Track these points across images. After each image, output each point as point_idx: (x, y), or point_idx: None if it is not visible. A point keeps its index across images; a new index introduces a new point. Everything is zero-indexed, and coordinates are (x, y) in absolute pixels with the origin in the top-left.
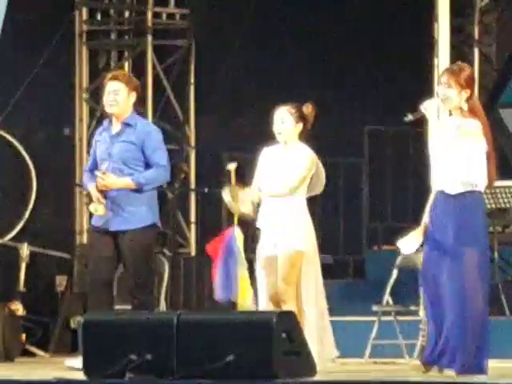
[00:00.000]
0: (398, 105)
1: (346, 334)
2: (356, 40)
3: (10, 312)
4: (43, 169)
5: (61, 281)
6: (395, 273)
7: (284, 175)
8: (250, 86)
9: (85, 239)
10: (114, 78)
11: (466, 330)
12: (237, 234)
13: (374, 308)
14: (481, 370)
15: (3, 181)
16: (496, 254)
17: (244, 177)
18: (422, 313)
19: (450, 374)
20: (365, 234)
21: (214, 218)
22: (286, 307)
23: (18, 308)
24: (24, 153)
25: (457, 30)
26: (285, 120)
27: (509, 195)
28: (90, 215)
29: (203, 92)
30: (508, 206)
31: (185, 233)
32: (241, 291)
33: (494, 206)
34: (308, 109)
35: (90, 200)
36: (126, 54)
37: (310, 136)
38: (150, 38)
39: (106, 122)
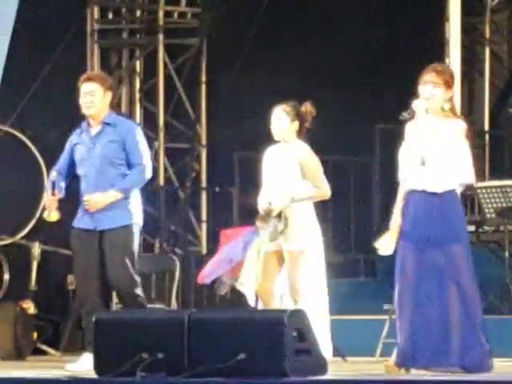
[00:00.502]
0: (409, 104)
1: (357, 332)
2: (367, 39)
3: (21, 310)
4: None
5: (72, 279)
6: None
7: (285, 175)
8: (261, 85)
9: None
10: (88, 79)
11: (474, 327)
12: (255, 236)
13: (385, 307)
14: (487, 367)
15: (15, 180)
16: (507, 253)
17: (256, 176)
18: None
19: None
20: (376, 233)
21: (225, 217)
22: (298, 306)
23: (30, 306)
24: (35, 152)
25: (468, 30)
26: (281, 119)
27: None
28: None
29: (214, 91)
30: None
31: (196, 231)
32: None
33: (504, 204)
34: (306, 107)
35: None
36: (138, 52)
37: (321, 135)
38: (161, 36)
39: (84, 124)
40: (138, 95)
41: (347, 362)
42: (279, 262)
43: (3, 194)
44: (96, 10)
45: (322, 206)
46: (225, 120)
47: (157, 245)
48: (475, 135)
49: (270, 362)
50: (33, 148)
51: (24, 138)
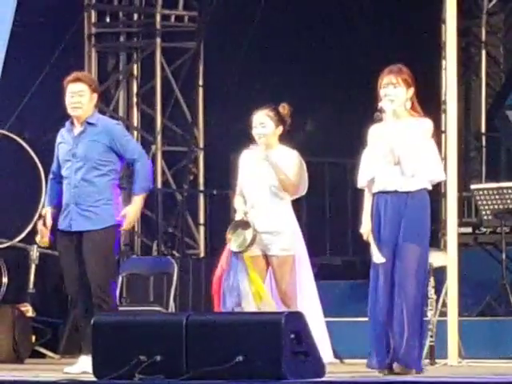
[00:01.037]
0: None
1: (355, 334)
2: (363, 41)
3: (19, 313)
4: None
5: None
6: None
7: (273, 179)
8: (258, 88)
9: None
10: (77, 79)
11: (409, 327)
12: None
13: None
14: (417, 366)
15: (12, 183)
16: (503, 255)
17: None
18: (430, 313)
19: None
20: None
21: (223, 220)
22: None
23: (28, 309)
24: (33, 155)
25: (464, 32)
26: (265, 124)
27: None
28: None
29: (212, 94)
30: None
31: (194, 234)
32: (255, 293)
33: (501, 206)
34: (284, 109)
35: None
36: (135, 56)
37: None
38: (158, 40)
39: (67, 124)
40: (135, 98)
41: (345, 364)
42: (266, 265)
43: (1, 198)
44: (93, 13)
45: (319, 209)
46: (222, 123)
47: (154, 247)
48: (472, 137)
49: (268, 364)
50: (31, 151)
51: (22, 142)
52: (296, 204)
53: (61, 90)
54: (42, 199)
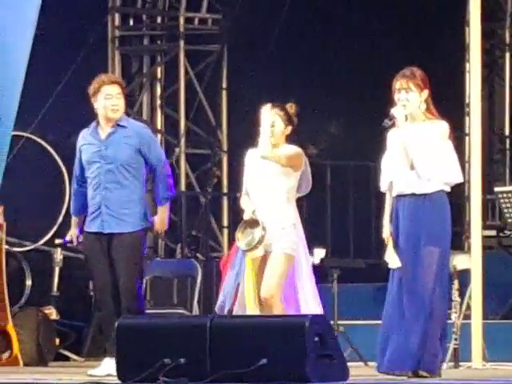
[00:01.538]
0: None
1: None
2: (386, 45)
3: (43, 316)
4: None
5: None
6: None
7: (277, 178)
8: (282, 90)
9: None
10: (114, 82)
11: (426, 332)
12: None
13: None
14: (433, 370)
15: (36, 186)
16: None
17: None
18: (454, 316)
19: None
20: None
21: None
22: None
23: (52, 312)
24: (57, 158)
25: (488, 35)
26: (275, 123)
27: None
28: None
29: (235, 97)
30: None
31: (217, 237)
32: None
33: None
34: (291, 109)
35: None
36: (159, 59)
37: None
38: (182, 43)
39: (92, 126)
40: (159, 101)
41: (369, 367)
42: (264, 265)
43: (25, 201)
44: (117, 16)
45: (343, 212)
46: (245, 126)
47: (178, 250)
48: (496, 140)
49: (292, 367)
50: (54, 154)
51: (45, 144)
52: (320, 206)
53: (85, 93)
54: (66, 202)
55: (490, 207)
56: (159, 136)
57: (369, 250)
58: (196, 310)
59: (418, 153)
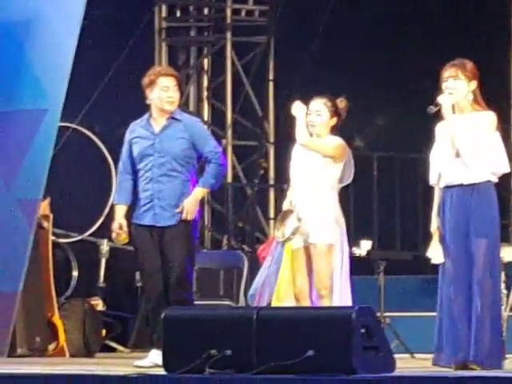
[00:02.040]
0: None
1: (425, 329)
2: (432, 40)
3: (90, 307)
4: None
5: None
6: None
7: (318, 169)
8: (328, 82)
9: None
10: (170, 74)
11: (483, 323)
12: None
13: None
14: (497, 363)
15: (83, 177)
16: None
17: None
18: (501, 308)
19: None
20: None
21: None
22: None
23: (98, 303)
24: (104, 149)
25: None
26: (321, 113)
27: None
28: None
29: (282, 88)
30: None
31: (264, 229)
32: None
33: None
34: (342, 103)
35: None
36: (206, 50)
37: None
38: (229, 34)
39: (145, 119)
40: (205, 93)
41: (415, 359)
42: (308, 258)
43: (72, 192)
44: (164, 7)
45: (390, 204)
46: (292, 117)
47: (225, 241)
48: None
49: (339, 358)
50: (101, 145)
51: (92, 136)
52: (366, 199)
53: (131, 84)
54: (112, 193)
55: None
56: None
57: (415, 242)
58: (242, 302)
59: (464, 142)
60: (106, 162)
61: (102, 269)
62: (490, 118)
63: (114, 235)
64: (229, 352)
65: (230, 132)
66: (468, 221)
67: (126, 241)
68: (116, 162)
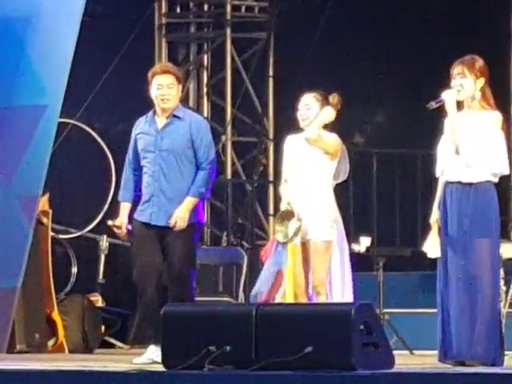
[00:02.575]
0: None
1: (424, 326)
2: (433, 34)
3: (89, 303)
4: (122, 161)
5: None
6: None
7: (315, 165)
8: (328, 79)
9: None
10: (167, 71)
11: (482, 319)
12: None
13: None
14: (496, 360)
15: (82, 173)
16: None
17: None
18: (500, 304)
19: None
20: None
21: None
22: (321, 298)
23: (98, 299)
24: (103, 145)
25: None
26: (310, 106)
27: None
28: None
29: (282, 85)
30: None
31: (263, 225)
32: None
33: None
34: (334, 99)
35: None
36: (205, 46)
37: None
38: (228, 30)
39: (149, 115)
40: (205, 89)
41: (415, 356)
42: (305, 254)
43: (71, 188)
44: (164, 3)
45: (389, 200)
46: (292, 114)
47: (224, 238)
48: None
49: (338, 355)
50: (100, 141)
51: (92, 132)
52: (366, 195)
53: (131, 80)
54: (112, 190)
55: None
56: None
57: (415, 239)
58: (241, 298)
59: (465, 140)
60: (105, 157)
61: (101, 265)
62: (495, 117)
63: (116, 230)
64: (228, 348)
65: (229, 128)
66: (467, 218)
67: (126, 238)
68: (115, 158)
